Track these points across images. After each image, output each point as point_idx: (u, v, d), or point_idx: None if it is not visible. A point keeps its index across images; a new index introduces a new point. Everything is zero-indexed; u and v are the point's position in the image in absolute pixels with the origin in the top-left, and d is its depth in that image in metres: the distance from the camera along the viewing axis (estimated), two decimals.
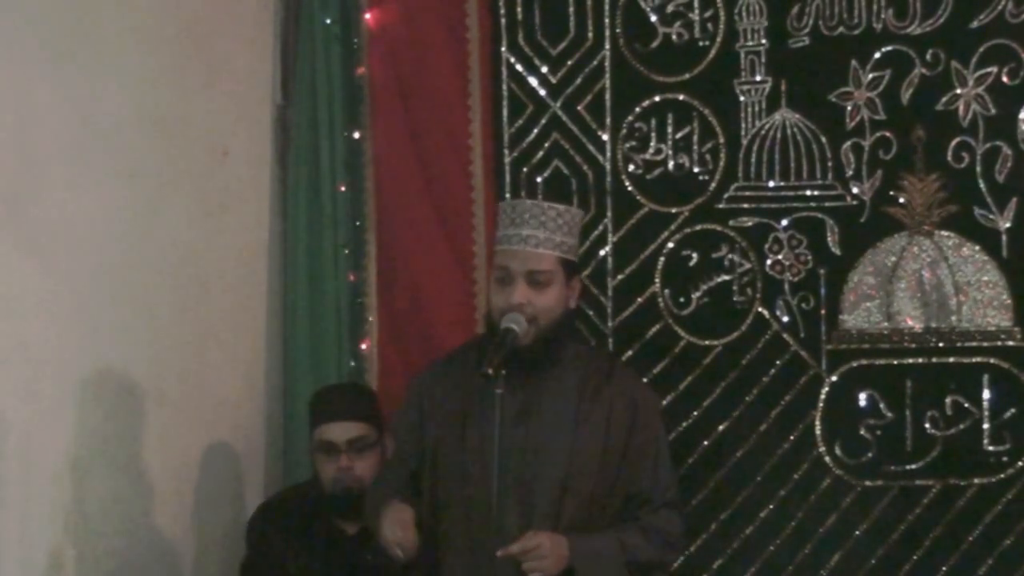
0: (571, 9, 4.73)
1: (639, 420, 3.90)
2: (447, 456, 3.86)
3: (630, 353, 4.66)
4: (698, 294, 4.66)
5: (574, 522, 3.79)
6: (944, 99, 4.56)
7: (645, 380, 4.48)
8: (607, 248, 4.71)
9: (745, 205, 4.65)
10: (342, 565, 4.26)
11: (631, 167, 4.71)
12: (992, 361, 4.55)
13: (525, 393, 3.82)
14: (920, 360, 4.58)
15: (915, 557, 4.55)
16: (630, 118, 4.70)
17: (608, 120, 4.72)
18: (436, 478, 3.88)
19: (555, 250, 3.85)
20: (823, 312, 4.61)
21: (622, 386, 3.93)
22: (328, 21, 4.81)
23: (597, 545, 3.79)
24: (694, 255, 4.67)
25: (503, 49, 4.76)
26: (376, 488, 4.05)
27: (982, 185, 4.55)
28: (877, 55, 4.59)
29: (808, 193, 4.63)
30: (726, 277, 4.66)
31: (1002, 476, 4.54)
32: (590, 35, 4.72)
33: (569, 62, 4.73)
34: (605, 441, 3.84)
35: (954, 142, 4.56)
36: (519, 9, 4.75)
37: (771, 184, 4.65)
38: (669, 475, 3.95)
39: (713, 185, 4.67)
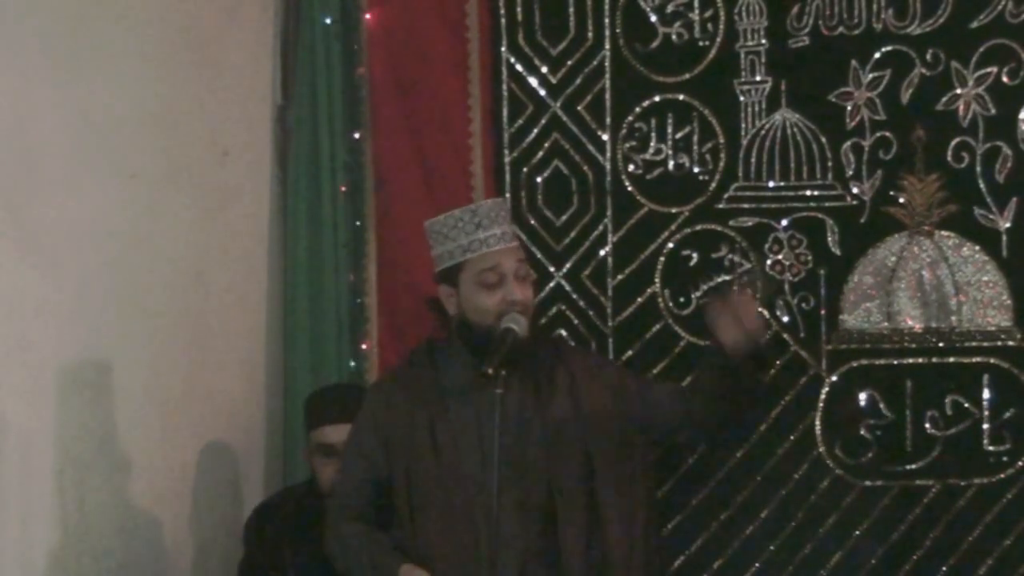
0: (571, 9, 4.72)
1: (601, 379, 3.87)
2: (423, 467, 3.80)
3: (630, 353, 4.66)
4: (698, 294, 4.66)
5: (577, 505, 3.76)
6: (944, 99, 4.56)
7: None
8: (607, 248, 4.71)
9: (745, 205, 4.65)
10: None
11: (631, 167, 4.71)
12: (992, 361, 4.55)
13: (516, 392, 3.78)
14: (920, 360, 4.58)
15: (915, 557, 4.54)
16: (630, 118, 4.70)
17: (608, 120, 4.71)
18: (412, 488, 3.81)
19: (516, 240, 3.89)
20: (823, 312, 4.61)
21: (569, 362, 3.89)
22: (328, 21, 4.81)
23: None
24: (694, 255, 4.67)
25: (503, 49, 4.76)
26: (350, 527, 3.88)
27: (982, 185, 4.55)
28: (877, 55, 4.59)
29: (808, 193, 4.63)
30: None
31: (1002, 476, 4.53)
32: (590, 35, 4.72)
33: (569, 62, 4.73)
34: (583, 426, 3.81)
35: (954, 142, 4.56)
36: (519, 9, 4.75)
37: (771, 184, 4.65)
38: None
39: (713, 185, 4.67)
